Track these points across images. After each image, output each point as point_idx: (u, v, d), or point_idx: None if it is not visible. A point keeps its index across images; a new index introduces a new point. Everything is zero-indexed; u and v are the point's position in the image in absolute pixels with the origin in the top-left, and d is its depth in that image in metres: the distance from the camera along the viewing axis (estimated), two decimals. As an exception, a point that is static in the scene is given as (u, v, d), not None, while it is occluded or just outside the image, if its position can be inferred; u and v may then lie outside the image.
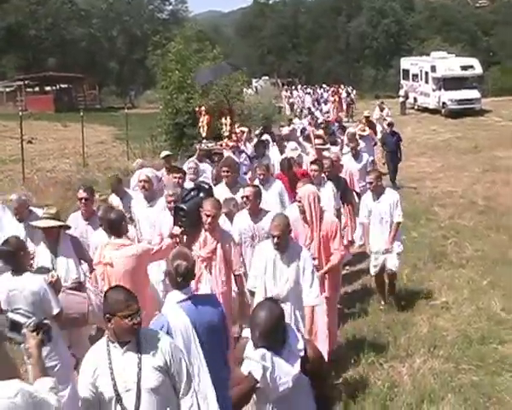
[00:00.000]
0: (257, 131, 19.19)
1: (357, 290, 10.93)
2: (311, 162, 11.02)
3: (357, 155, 14.22)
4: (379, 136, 21.86)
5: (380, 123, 24.86)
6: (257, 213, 8.18)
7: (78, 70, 57.69)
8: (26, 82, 53.12)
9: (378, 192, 9.92)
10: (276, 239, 6.48)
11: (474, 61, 43.30)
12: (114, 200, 10.65)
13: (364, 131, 18.18)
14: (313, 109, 35.57)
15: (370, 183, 9.93)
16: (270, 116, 34.74)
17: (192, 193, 7.66)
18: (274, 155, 13.99)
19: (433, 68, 41.91)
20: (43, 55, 65.67)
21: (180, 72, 26.33)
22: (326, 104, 43.00)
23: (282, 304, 5.67)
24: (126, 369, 4.28)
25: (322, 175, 10.64)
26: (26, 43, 64.75)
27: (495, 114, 38.81)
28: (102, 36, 79.07)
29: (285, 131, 16.71)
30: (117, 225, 7.40)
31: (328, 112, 34.54)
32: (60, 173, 21.70)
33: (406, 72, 47.96)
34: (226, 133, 12.05)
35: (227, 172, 9.97)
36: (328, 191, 10.30)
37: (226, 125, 12.01)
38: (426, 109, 42.90)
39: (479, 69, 42.89)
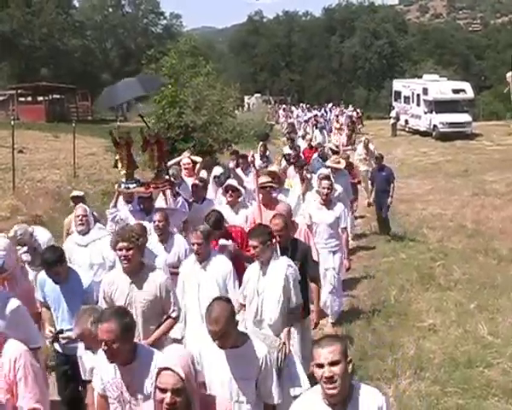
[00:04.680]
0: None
1: (344, 311, 10.84)
2: (248, 234, 7.01)
3: (329, 203, 10.12)
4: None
5: (365, 163, 19.37)
6: None
7: (71, 81, 57.47)
8: (19, 91, 52.92)
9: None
10: None
11: (466, 85, 43.57)
12: None
13: (339, 163, 13.49)
14: (294, 135, 23.78)
15: None
16: (262, 134, 34.68)
17: None
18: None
19: (425, 91, 42.10)
20: (36, 65, 65.45)
21: (173, 86, 26.30)
22: (322, 132, 30.03)
23: None
24: None
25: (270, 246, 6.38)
26: (19, 53, 64.63)
27: (486, 138, 38.92)
28: (96, 48, 79.44)
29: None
30: None
31: (320, 143, 22.36)
32: (50, 184, 21.58)
33: (398, 93, 48.19)
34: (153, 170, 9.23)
35: (127, 250, 6.10)
36: (279, 277, 6.30)
37: (153, 159, 9.07)
38: (417, 132, 43.02)
39: (470, 93, 43.15)
